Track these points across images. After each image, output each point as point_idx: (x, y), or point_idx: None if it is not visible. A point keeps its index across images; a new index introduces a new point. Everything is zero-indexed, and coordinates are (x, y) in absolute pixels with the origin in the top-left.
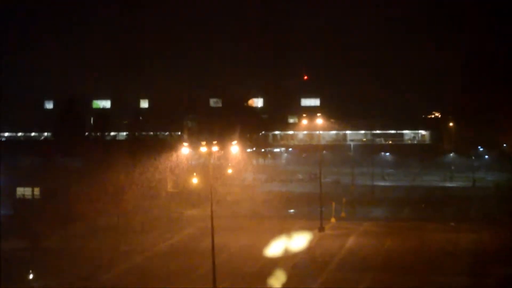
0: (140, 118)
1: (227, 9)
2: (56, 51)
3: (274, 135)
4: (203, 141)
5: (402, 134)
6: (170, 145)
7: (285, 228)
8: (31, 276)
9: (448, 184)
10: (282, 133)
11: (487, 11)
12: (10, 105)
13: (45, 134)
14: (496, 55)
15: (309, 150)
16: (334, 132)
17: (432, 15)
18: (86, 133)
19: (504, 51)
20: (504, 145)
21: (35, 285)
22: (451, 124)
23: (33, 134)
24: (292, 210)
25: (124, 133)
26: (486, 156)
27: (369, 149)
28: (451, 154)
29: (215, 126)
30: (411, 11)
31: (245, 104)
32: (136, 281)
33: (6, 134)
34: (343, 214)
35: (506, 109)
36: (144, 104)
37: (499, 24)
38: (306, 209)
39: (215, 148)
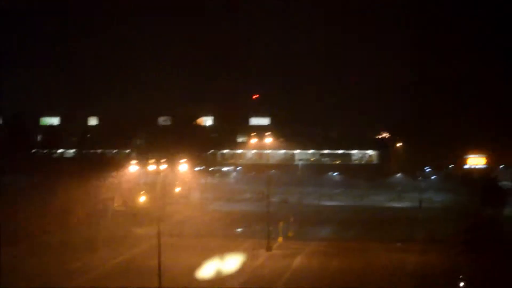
0: (88, 135)
1: (176, 27)
2: (3, 66)
3: (223, 154)
4: (152, 159)
5: (349, 154)
6: (119, 163)
7: (232, 247)
8: None
9: (395, 205)
10: (231, 151)
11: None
12: None
13: None
14: (445, 76)
15: (258, 169)
16: (282, 151)
17: (382, 33)
18: (34, 150)
19: (453, 72)
20: (450, 166)
21: None
22: (398, 144)
23: None
24: (239, 229)
25: (72, 151)
26: (433, 177)
27: (316, 169)
28: (399, 175)
29: (164, 144)
30: (362, 29)
31: (194, 122)
32: None
33: None
34: (290, 234)
35: (453, 130)
36: (93, 121)
37: (447, 43)
38: (254, 228)
39: (163, 166)
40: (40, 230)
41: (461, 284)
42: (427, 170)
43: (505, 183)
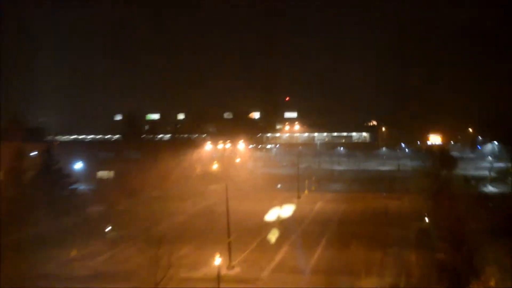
0: (178, 126)
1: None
2: (117, 76)
3: (267, 136)
4: (220, 140)
5: (351, 136)
6: (199, 144)
7: (275, 197)
8: (109, 228)
9: (382, 168)
10: (272, 134)
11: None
12: (90, 117)
13: (116, 136)
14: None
15: (290, 146)
16: (306, 134)
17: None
18: (143, 136)
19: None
20: (418, 142)
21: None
22: (383, 128)
23: (107, 136)
24: (279, 185)
25: (168, 136)
26: (407, 150)
27: (329, 145)
28: (384, 148)
29: (228, 130)
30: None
31: (247, 116)
32: (179, 231)
33: (90, 136)
34: (313, 188)
35: (420, 118)
36: (181, 116)
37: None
38: (289, 185)
39: (228, 145)
40: (148, 188)
41: (426, 219)
42: (403, 145)
43: (454, 153)
